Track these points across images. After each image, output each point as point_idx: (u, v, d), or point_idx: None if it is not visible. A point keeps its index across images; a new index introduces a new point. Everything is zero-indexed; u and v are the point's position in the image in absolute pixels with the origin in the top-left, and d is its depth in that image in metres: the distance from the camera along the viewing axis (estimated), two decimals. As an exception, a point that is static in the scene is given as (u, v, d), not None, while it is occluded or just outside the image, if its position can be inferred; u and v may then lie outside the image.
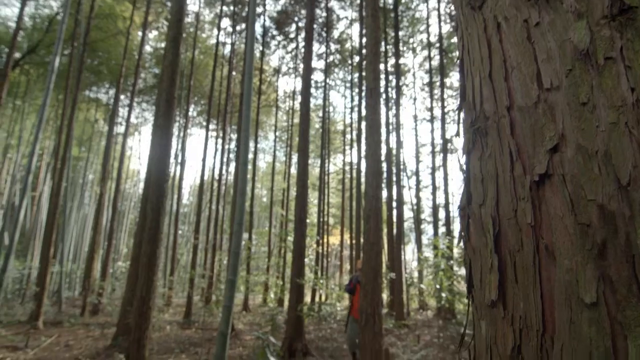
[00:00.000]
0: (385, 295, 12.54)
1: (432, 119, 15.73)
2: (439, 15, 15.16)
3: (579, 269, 0.52)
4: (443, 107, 13.96)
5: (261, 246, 20.25)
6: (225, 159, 18.17)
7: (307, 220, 8.28)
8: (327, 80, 17.63)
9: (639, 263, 0.47)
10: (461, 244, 0.80)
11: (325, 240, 17.58)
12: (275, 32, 18.77)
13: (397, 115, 12.72)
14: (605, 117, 0.54)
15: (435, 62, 16.98)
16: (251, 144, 16.05)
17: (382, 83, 13.80)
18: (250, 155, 16.88)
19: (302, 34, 17.40)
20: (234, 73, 17.37)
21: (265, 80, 19.99)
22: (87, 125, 23.95)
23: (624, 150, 0.51)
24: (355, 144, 17.13)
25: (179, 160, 17.61)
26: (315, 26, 16.26)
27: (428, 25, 16.62)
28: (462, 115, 0.84)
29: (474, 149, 0.73)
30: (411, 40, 18.78)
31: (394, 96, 13.56)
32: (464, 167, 0.77)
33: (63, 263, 13.51)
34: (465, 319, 0.73)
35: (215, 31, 19.65)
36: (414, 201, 15.76)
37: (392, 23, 14.81)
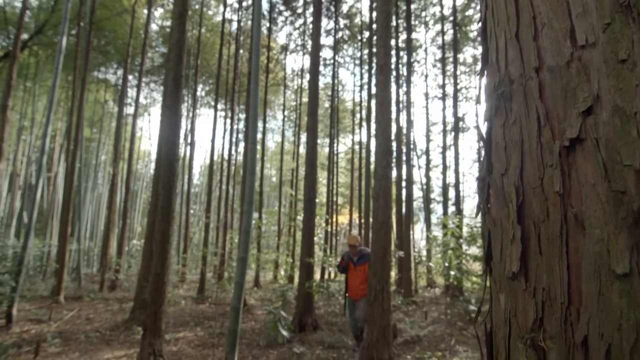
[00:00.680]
0: (393, 273, 12.69)
1: (444, 97, 15.33)
2: (454, -14, 14.44)
3: (611, 238, 0.49)
4: (456, 84, 13.53)
5: (271, 225, 20.54)
6: (234, 139, 18.20)
7: (317, 200, 8.31)
8: (336, 58, 17.22)
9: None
10: (478, 216, 0.77)
11: (334, 219, 17.71)
12: (282, 8, 18.24)
13: (407, 93, 12.43)
14: (647, 75, 0.49)
15: (449, 37, 16.36)
16: (260, 124, 15.97)
17: (393, 59, 13.37)
18: (259, 135, 16.82)
19: (310, 9, 16.86)
20: (241, 51, 17.08)
21: (272, 58, 19.62)
22: (97, 107, 24.10)
23: (667, 110, 0.47)
24: (364, 123, 16.89)
25: (189, 140, 17.68)
26: (323, 0, 15.72)
27: (441, -3, 15.92)
28: (483, 81, 0.79)
29: (497, 115, 0.69)
30: (423, 13, 18.05)
31: (405, 73, 13.20)
32: (485, 135, 0.73)
33: (80, 241, 13.98)
34: (483, 292, 0.71)
35: (221, 8, 19.20)
36: (424, 180, 15.60)
37: (404, -5, 14.19)
